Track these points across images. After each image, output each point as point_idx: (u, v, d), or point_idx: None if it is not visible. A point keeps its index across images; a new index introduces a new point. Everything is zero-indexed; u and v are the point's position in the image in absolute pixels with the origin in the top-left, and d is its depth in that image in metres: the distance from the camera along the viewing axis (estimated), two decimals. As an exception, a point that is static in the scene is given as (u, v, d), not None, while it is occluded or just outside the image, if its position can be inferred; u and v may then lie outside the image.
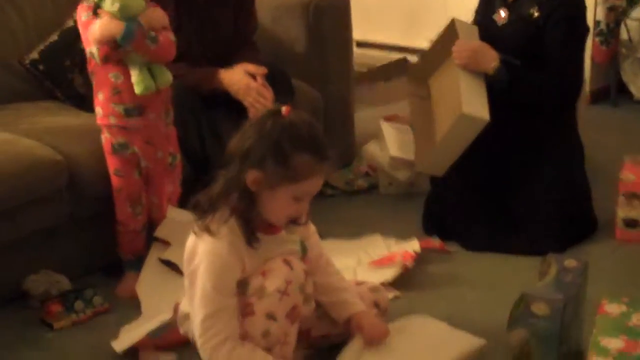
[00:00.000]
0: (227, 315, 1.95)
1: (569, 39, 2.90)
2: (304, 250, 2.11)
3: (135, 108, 2.53)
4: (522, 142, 2.91)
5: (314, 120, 2.02)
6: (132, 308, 2.45)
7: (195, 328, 1.98)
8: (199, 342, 1.97)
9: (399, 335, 2.15)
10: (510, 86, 2.84)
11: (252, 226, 1.97)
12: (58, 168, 2.56)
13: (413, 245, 2.76)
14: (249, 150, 1.92)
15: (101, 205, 2.62)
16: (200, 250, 1.97)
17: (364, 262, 2.70)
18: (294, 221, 2.05)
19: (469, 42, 2.92)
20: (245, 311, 1.96)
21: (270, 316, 1.95)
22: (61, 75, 3.05)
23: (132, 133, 2.56)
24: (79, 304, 2.46)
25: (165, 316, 2.25)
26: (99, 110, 2.57)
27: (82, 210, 2.64)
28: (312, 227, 2.20)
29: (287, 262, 1.99)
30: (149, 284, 2.54)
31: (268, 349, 1.96)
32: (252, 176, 1.92)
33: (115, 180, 2.59)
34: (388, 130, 3.39)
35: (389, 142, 3.32)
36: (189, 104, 2.82)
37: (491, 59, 2.86)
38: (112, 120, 2.54)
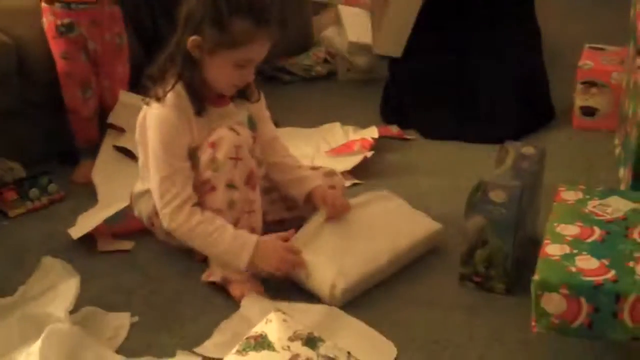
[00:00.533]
0: (181, 178, 1.94)
1: None
2: (251, 124, 2.09)
3: None
4: (481, 23, 2.87)
5: None
6: (88, 196, 2.43)
7: (154, 196, 1.97)
8: (158, 208, 1.96)
9: (359, 209, 2.15)
10: None
11: (199, 95, 1.96)
12: (5, 50, 2.49)
13: (371, 132, 2.75)
14: (189, 14, 1.90)
15: (54, 90, 2.55)
16: (149, 117, 1.96)
17: (322, 151, 2.69)
18: (242, 94, 2.04)
19: None
20: (205, 188, 1.95)
21: (230, 185, 1.94)
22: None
23: (77, 13, 2.50)
24: (34, 192, 2.42)
25: (121, 203, 2.23)
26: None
27: (34, 95, 2.58)
28: (265, 112, 2.17)
29: (232, 129, 1.97)
30: (104, 171, 2.51)
31: (236, 221, 1.95)
32: (191, 41, 1.89)
33: (62, 65, 2.53)
34: (346, 14, 3.33)
35: (348, 27, 3.27)
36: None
37: None
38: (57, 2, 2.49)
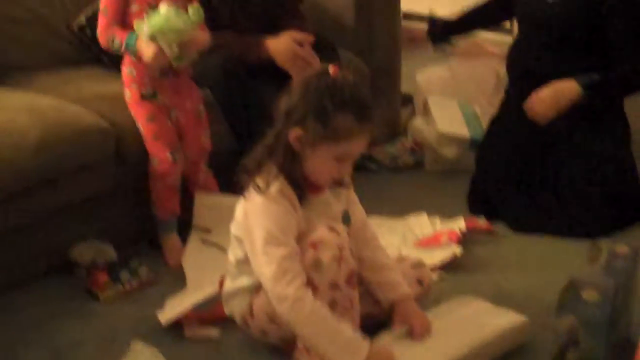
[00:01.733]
0: (297, 260, 1.93)
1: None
2: (346, 219, 2.11)
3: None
4: (570, 120, 2.84)
5: (360, 81, 2.02)
6: (178, 280, 2.46)
7: (267, 282, 1.94)
8: (274, 291, 1.92)
9: (440, 320, 2.12)
10: (604, 96, 2.80)
11: (299, 185, 1.98)
12: (105, 135, 2.56)
13: (458, 224, 2.74)
14: (292, 108, 1.94)
15: (147, 174, 2.62)
16: (254, 207, 1.97)
17: (410, 241, 2.69)
18: (337, 183, 2.06)
19: (537, 94, 2.81)
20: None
21: (334, 286, 1.94)
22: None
23: (160, 83, 2.57)
24: (124, 275, 2.46)
25: (210, 290, 2.26)
26: (125, 70, 2.60)
27: (128, 179, 2.64)
28: (354, 196, 2.19)
29: (331, 229, 1.98)
30: (194, 257, 2.54)
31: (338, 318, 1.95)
32: (294, 133, 1.93)
33: (149, 128, 2.58)
34: (435, 105, 3.36)
35: (436, 118, 3.29)
36: (234, 73, 2.80)
37: (570, 93, 2.78)
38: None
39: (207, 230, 2.61)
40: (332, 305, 1.94)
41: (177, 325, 2.22)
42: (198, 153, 2.68)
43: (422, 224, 2.81)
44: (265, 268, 1.93)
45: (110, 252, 2.55)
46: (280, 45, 2.88)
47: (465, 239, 2.64)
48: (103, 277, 2.44)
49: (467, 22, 3.32)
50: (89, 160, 2.53)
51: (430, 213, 2.86)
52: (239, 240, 2.05)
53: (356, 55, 3.27)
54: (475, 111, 3.40)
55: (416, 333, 2.07)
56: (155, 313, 2.26)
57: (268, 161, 1.98)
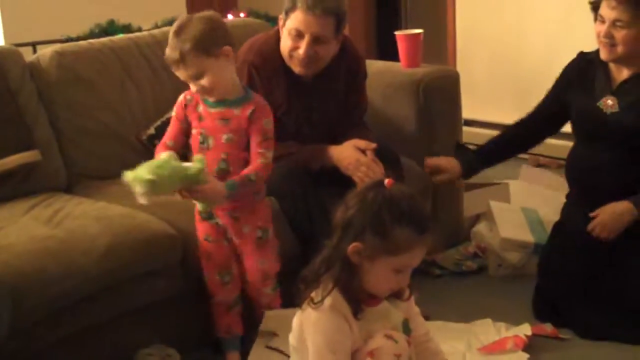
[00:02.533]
0: None
1: None
2: (406, 329, 2.07)
3: None
4: (636, 226, 2.82)
5: (416, 193, 2.00)
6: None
7: None
8: None
9: None
10: None
11: (355, 297, 1.96)
12: (173, 242, 2.61)
13: (524, 330, 2.69)
14: (350, 221, 1.93)
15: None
16: (307, 322, 1.97)
17: (474, 347, 2.65)
18: (396, 295, 2.04)
19: (598, 221, 2.81)
20: None
21: None
22: (176, 151, 3.14)
23: (217, 207, 2.58)
24: (188, 379, 2.48)
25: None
26: None
27: (193, 284, 2.66)
28: (416, 308, 2.16)
29: (389, 337, 1.96)
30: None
31: None
32: (352, 247, 1.91)
33: (203, 246, 2.61)
34: (498, 210, 3.35)
35: (499, 223, 3.28)
36: (297, 180, 2.84)
37: (628, 215, 2.78)
38: None
39: (274, 334, 2.58)
40: None
41: None
42: (259, 277, 2.62)
43: (487, 330, 2.77)
44: None
45: (174, 356, 2.57)
46: (344, 153, 2.92)
47: (531, 345, 2.59)
48: (164, 381, 2.46)
49: (506, 149, 3.25)
50: (156, 266, 2.58)
51: (495, 318, 2.83)
52: (296, 351, 2.04)
53: (419, 164, 3.30)
54: (539, 216, 3.38)
55: None
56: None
57: (325, 274, 1.97)
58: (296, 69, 2.94)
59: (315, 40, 2.86)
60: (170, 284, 2.62)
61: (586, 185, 2.96)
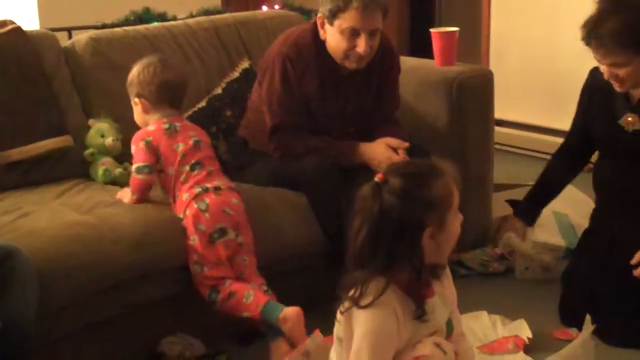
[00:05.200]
0: None
1: None
2: (449, 329, 2.06)
3: None
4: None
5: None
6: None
7: None
8: None
9: None
10: None
11: (418, 290, 1.94)
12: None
13: (524, 329, 2.70)
14: (401, 224, 1.89)
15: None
16: (356, 323, 1.93)
17: (474, 345, 2.61)
18: (435, 274, 2.01)
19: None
20: None
21: None
22: (207, 141, 3.14)
23: None
24: (212, 369, 2.49)
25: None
26: None
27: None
28: (454, 292, 2.13)
29: (437, 346, 1.95)
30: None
31: None
32: (427, 235, 1.91)
33: None
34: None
35: (536, 226, 3.25)
36: (327, 176, 2.84)
37: None
38: None
39: (306, 355, 2.47)
40: None
41: None
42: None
43: (482, 324, 2.77)
44: None
45: (198, 346, 2.58)
46: (376, 151, 2.93)
47: (555, 348, 2.57)
48: (190, 371, 2.47)
49: (553, 186, 3.19)
50: (183, 260, 2.59)
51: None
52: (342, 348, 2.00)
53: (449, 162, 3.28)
54: (570, 221, 3.35)
55: None
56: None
57: (377, 279, 1.92)
58: (352, 65, 2.94)
59: (371, 35, 2.87)
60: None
61: (612, 200, 2.94)
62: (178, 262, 2.58)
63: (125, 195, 2.72)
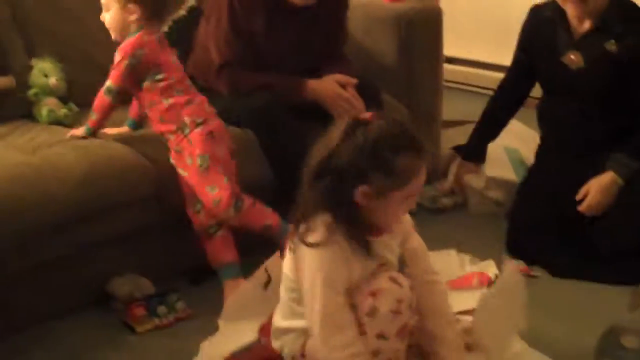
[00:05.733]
0: (345, 318, 1.91)
1: None
2: (402, 264, 2.07)
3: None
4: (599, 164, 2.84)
5: (400, 118, 1.98)
6: (214, 315, 2.44)
7: (315, 333, 1.94)
8: (320, 349, 1.93)
9: None
10: None
11: (362, 235, 1.94)
12: (147, 175, 2.60)
13: (490, 268, 2.72)
14: (348, 166, 1.87)
15: (186, 214, 2.65)
16: (303, 262, 1.94)
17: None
18: (370, 230, 2.00)
19: (587, 203, 2.78)
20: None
21: (382, 336, 1.93)
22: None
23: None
24: (162, 309, 2.48)
25: (249, 337, 2.25)
26: None
27: (167, 216, 2.66)
28: (410, 222, 2.14)
29: (394, 280, 1.96)
30: (232, 312, 2.44)
31: None
32: (361, 192, 1.87)
33: (180, 178, 2.64)
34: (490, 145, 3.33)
35: (488, 161, 3.28)
36: (275, 113, 2.83)
37: (613, 186, 2.77)
38: None
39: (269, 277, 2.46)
40: (376, 353, 1.93)
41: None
42: (213, 204, 2.58)
43: (450, 262, 2.79)
44: (314, 324, 1.92)
45: (148, 286, 2.58)
46: (324, 88, 2.92)
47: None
48: (140, 311, 2.46)
49: (497, 122, 3.24)
50: (130, 197, 2.57)
51: (462, 251, 2.84)
52: (293, 281, 2.00)
53: (398, 98, 3.29)
54: (521, 156, 3.38)
55: None
56: (191, 348, 2.27)
57: (320, 213, 1.92)
58: (300, 1, 2.92)
59: None
60: (144, 215, 2.61)
61: (556, 137, 2.98)
62: (125, 199, 2.56)
63: (79, 131, 2.69)
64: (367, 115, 1.92)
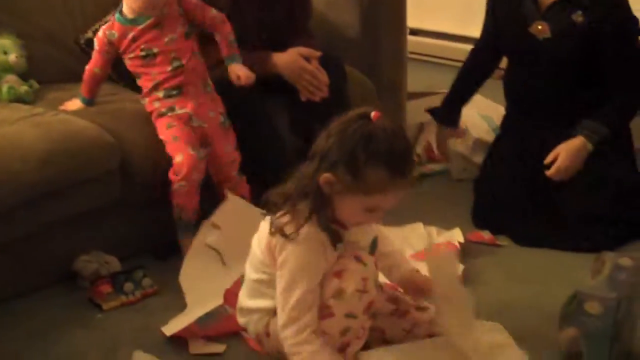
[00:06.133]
0: (314, 304, 1.91)
1: (631, 47, 2.84)
2: (373, 248, 2.06)
3: (173, 89, 2.66)
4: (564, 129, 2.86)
5: (402, 132, 1.93)
6: (181, 292, 2.45)
7: (280, 314, 1.94)
8: (285, 330, 1.93)
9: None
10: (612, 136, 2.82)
11: (330, 226, 1.93)
12: (110, 150, 2.58)
13: (456, 236, 2.74)
14: (327, 152, 1.87)
15: (151, 189, 2.63)
16: (284, 252, 1.92)
17: (407, 254, 2.66)
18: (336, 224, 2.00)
19: (556, 167, 2.79)
20: (323, 313, 1.93)
21: (350, 315, 1.93)
22: (115, 56, 3.07)
23: (181, 101, 2.67)
24: (128, 286, 2.47)
25: (214, 303, 2.25)
26: (144, 99, 2.72)
27: (133, 193, 2.65)
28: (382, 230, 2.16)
29: (358, 259, 1.96)
30: (192, 274, 2.49)
31: (344, 345, 1.95)
32: (324, 178, 1.87)
33: (168, 133, 2.63)
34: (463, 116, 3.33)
35: (470, 127, 3.31)
36: (242, 88, 2.81)
37: (583, 151, 2.79)
38: (157, 105, 2.68)
39: (217, 227, 2.56)
40: (344, 332, 1.94)
41: (181, 340, 2.22)
42: (226, 162, 2.70)
43: (418, 235, 2.80)
44: (283, 307, 1.93)
45: (114, 263, 2.57)
46: (288, 61, 2.90)
47: (467, 251, 2.65)
48: (106, 288, 2.45)
49: (467, 88, 3.24)
50: (94, 173, 2.55)
51: (436, 223, 2.86)
52: (265, 264, 2.00)
53: (362, 72, 3.28)
54: (496, 124, 3.39)
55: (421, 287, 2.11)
56: (159, 324, 2.27)
57: (301, 202, 1.92)
58: None
59: None
60: (108, 191, 2.60)
61: (523, 107, 2.99)
62: (89, 175, 2.53)
63: (72, 104, 2.73)
64: (373, 113, 1.88)
